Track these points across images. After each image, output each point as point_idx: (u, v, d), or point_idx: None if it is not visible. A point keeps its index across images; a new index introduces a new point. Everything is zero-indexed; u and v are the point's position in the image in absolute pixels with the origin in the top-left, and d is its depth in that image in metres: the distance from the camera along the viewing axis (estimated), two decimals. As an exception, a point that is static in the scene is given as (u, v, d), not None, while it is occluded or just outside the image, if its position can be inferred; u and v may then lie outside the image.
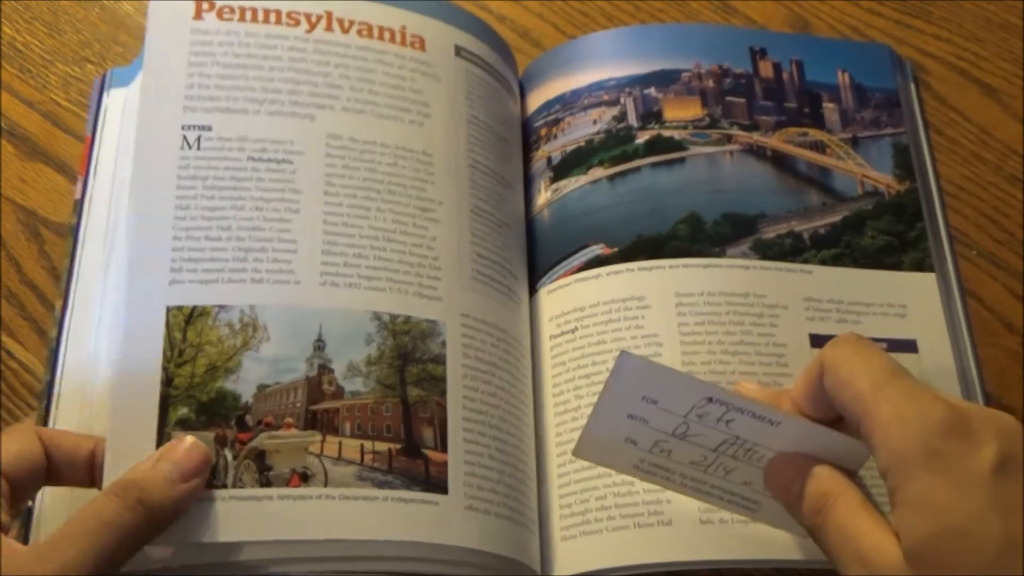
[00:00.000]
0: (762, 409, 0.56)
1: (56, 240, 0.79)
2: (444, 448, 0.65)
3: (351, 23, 0.76)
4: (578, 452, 0.61)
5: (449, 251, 0.71)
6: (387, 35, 0.76)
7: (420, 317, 0.68)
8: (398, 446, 0.64)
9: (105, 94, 0.75)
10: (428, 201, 0.71)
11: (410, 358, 0.66)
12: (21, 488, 0.58)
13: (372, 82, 0.74)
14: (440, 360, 0.67)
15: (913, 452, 0.50)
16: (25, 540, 0.61)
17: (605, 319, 0.71)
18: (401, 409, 0.65)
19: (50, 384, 0.66)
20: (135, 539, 0.55)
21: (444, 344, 0.68)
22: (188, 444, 0.60)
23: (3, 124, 0.83)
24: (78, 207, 0.71)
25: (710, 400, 0.56)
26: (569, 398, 0.70)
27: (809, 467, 0.56)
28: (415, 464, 0.64)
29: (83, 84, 0.85)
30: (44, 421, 0.65)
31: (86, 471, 0.61)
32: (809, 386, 0.57)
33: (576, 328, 0.72)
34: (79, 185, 0.72)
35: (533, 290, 0.76)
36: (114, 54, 0.87)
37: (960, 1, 0.92)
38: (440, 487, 0.64)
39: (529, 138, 0.82)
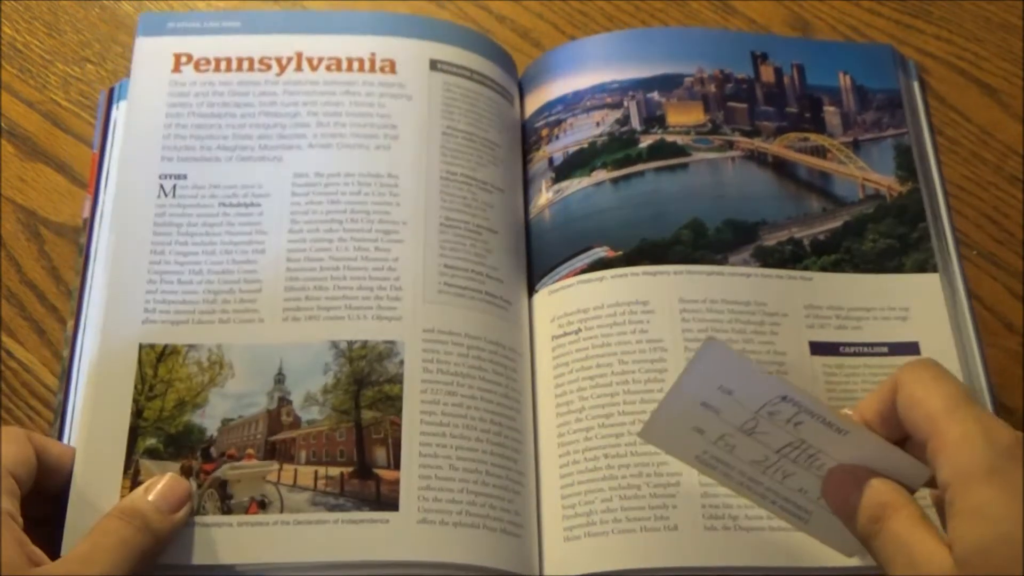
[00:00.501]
0: (833, 416, 0.57)
1: (56, 240, 0.79)
2: (397, 466, 0.67)
3: (319, 60, 0.78)
4: (644, 434, 0.61)
5: (413, 269, 0.73)
6: (356, 65, 0.78)
7: (378, 339, 0.70)
8: (350, 469, 0.67)
9: (114, 107, 0.77)
10: (392, 223, 0.73)
11: (365, 382, 0.69)
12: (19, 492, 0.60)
13: (339, 114, 0.76)
14: (397, 380, 0.69)
15: (976, 468, 0.52)
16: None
17: (610, 322, 0.72)
18: (354, 432, 0.68)
19: (64, 402, 0.70)
20: (147, 558, 0.60)
21: (402, 363, 0.70)
22: (167, 479, 0.64)
23: (3, 124, 0.83)
24: (88, 225, 0.74)
25: (784, 399, 0.56)
26: (572, 399, 0.71)
27: (869, 479, 0.57)
28: (366, 485, 0.67)
29: (83, 84, 0.85)
30: (59, 438, 0.68)
31: (67, 481, 0.65)
32: (880, 402, 0.58)
33: (580, 329, 0.72)
34: (87, 203, 0.74)
35: (533, 290, 0.76)
36: (114, 54, 0.87)
37: (960, 1, 0.91)
38: (391, 505, 0.66)
39: (529, 139, 0.82)
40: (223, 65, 0.77)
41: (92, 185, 0.76)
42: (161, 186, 0.73)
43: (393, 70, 0.78)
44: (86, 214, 0.75)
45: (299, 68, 0.77)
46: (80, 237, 0.75)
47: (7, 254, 0.79)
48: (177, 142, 0.74)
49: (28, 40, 0.87)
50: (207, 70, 0.76)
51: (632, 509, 0.67)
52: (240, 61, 0.77)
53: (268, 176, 0.74)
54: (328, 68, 0.78)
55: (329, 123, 0.76)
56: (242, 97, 0.76)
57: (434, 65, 0.79)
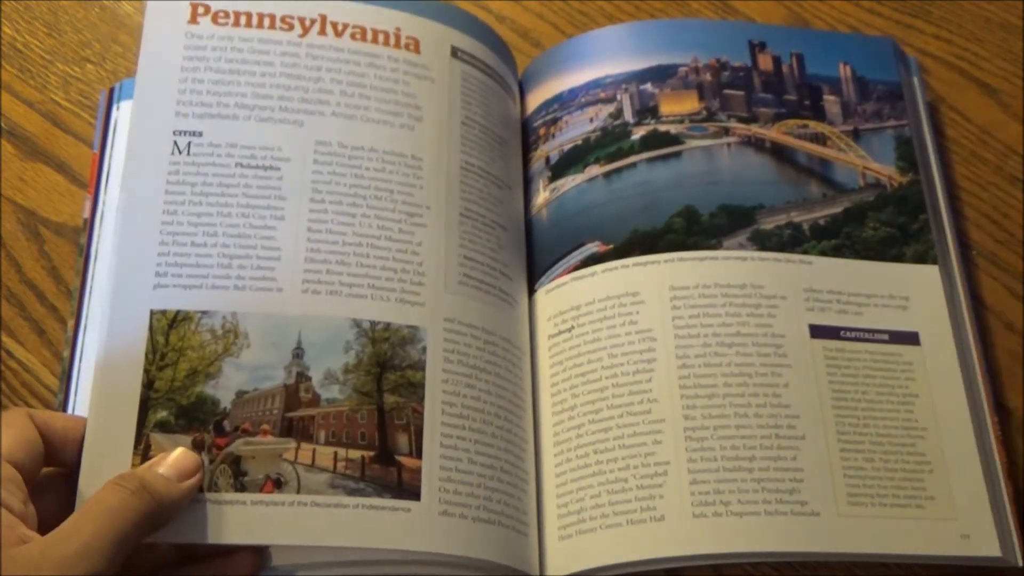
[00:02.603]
0: None
1: (56, 240, 0.79)
2: (419, 454, 0.65)
3: (344, 26, 0.76)
4: None
5: (435, 255, 0.71)
6: (381, 37, 0.77)
7: (401, 323, 0.68)
8: (371, 453, 0.65)
9: (115, 107, 0.76)
10: (415, 206, 0.72)
11: (388, 365, 0.67)
12: (25, 474, 0.58)
13: (364, 86, 0.75)
14: (419, 366, 0.68)
15: None
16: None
17: (600, 316, 0.72)
18: (376, 416, 0.66)
19: (64, 402, 0.69)
20: (144, 523, 0.57)
21: (424, 350, 0.68)
22: (177, 451, 0.61)
23: (3, 124, 0.83)
24: (88, 225, 0.73)
25: None
26: (566, 397, 0.70)
27: None
28: (388, 471, 0.64)
29: (83, 84, 0.85)
30: None
31: (79, 453, 0.62)
32: None
33: (572, 327, 0.72)
34: (88, 203, 0.74)
35: (532, 290, 0.76)
36: (114, 54, 0.87)
37: (960, 1, 0.92)
38: (413, 494, 0.64)
39: (528, 138, 0.82)
40: (243, 20, 0.75)
41: (92, 185, 0.74)
42: (175, 142, 0.70)
43: (417, 49, 0.77)
44: (86, 214, 0.73)
45: (323, 32, 0.75)
46: (80, 237, 0.74)
47: (7, 254, 0.78)
48: (193, 97, 0.72)
49: (28, 40, 0.87)
50: (226, 24, 0.74)
51: (619, 503, 0.66)
52: (261, 17, 0.75)
53: (288, 139, 0.71)
54: (353, 36, 0.76)
55: (353, 93, 0.74)
56: (262, 55, 0.74)
57: (455, 52, 0.78)
